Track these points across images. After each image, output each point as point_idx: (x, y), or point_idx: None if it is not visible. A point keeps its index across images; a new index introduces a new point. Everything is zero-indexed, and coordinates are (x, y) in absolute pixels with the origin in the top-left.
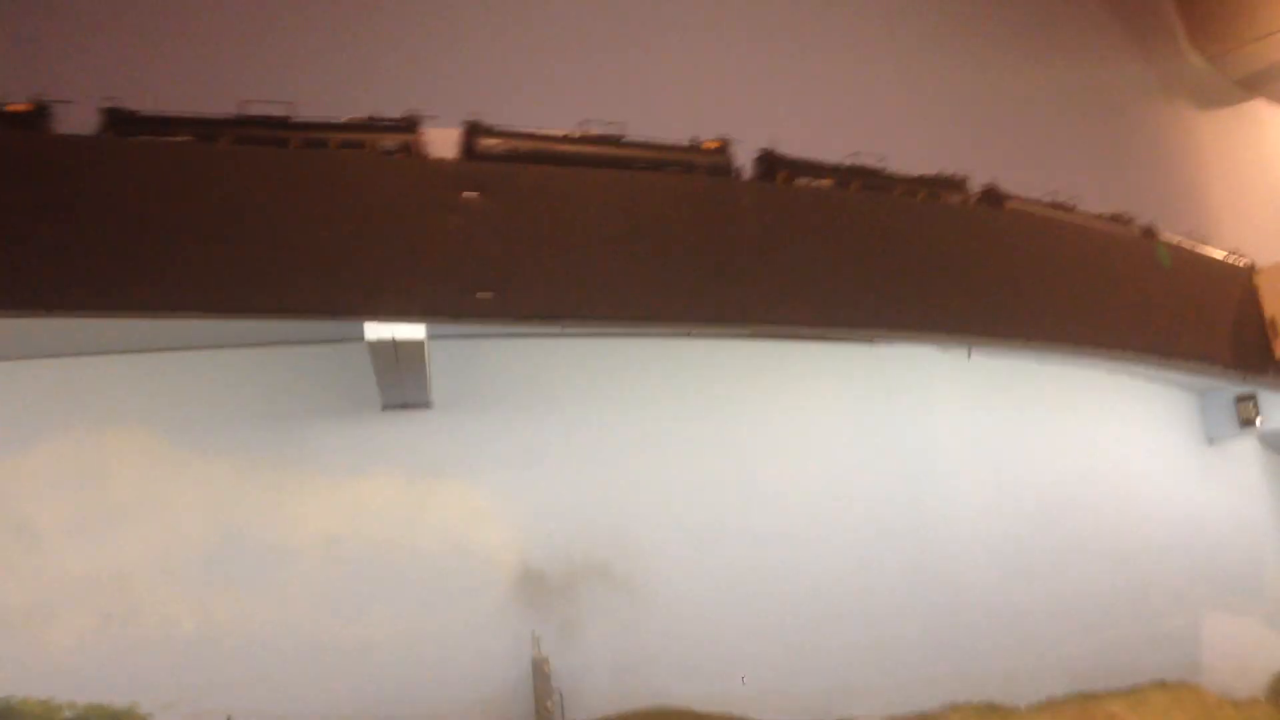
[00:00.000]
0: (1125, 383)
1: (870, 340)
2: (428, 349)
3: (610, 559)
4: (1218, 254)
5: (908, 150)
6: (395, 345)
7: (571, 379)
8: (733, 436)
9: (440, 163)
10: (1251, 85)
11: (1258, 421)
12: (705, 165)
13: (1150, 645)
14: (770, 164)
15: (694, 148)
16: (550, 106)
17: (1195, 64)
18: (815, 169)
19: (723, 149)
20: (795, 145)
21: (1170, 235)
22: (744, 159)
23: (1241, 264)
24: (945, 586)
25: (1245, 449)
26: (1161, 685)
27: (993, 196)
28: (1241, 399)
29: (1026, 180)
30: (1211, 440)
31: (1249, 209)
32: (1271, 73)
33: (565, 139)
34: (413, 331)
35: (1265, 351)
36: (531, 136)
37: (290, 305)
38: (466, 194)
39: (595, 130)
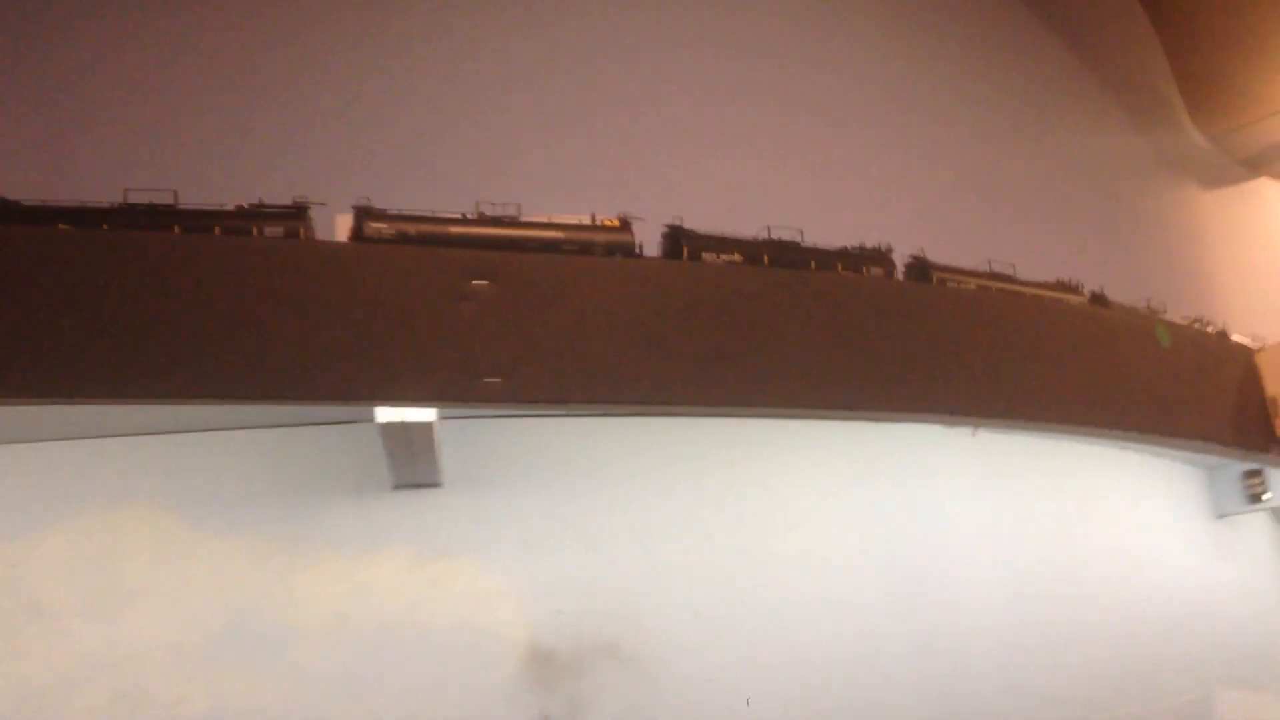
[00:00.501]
0: (1133, 459)
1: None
2: (437, 430)
3: (619, 637)
4: (1219, 333)
5: (901, 233)
6: (406, 427)
7: (580, 458)
8: (740, 514)
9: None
10: (1255, 164)
11: (1265, 497)
12: (604, 244)
13: None
14: (677, 240)
15: (594, 226)
16: (444, 187)
17: (1198, 143)
18: (723, 244)
19: (623, 227)
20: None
21: (1172, 314)
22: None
23: (1243, 343)
24: (953, 665)
25: (1255, 523)
26: None
27: (921, 269)
28: (1249, 474)
29: (1025, 262)
30: (1220, 515)
31: (1254, 288)
32: (1275, 152)
33: (461, 220)
34: (423, 414)
35: (1267, 430)
36: (421, 219)
37: (307, 392)
38: (476, 282)
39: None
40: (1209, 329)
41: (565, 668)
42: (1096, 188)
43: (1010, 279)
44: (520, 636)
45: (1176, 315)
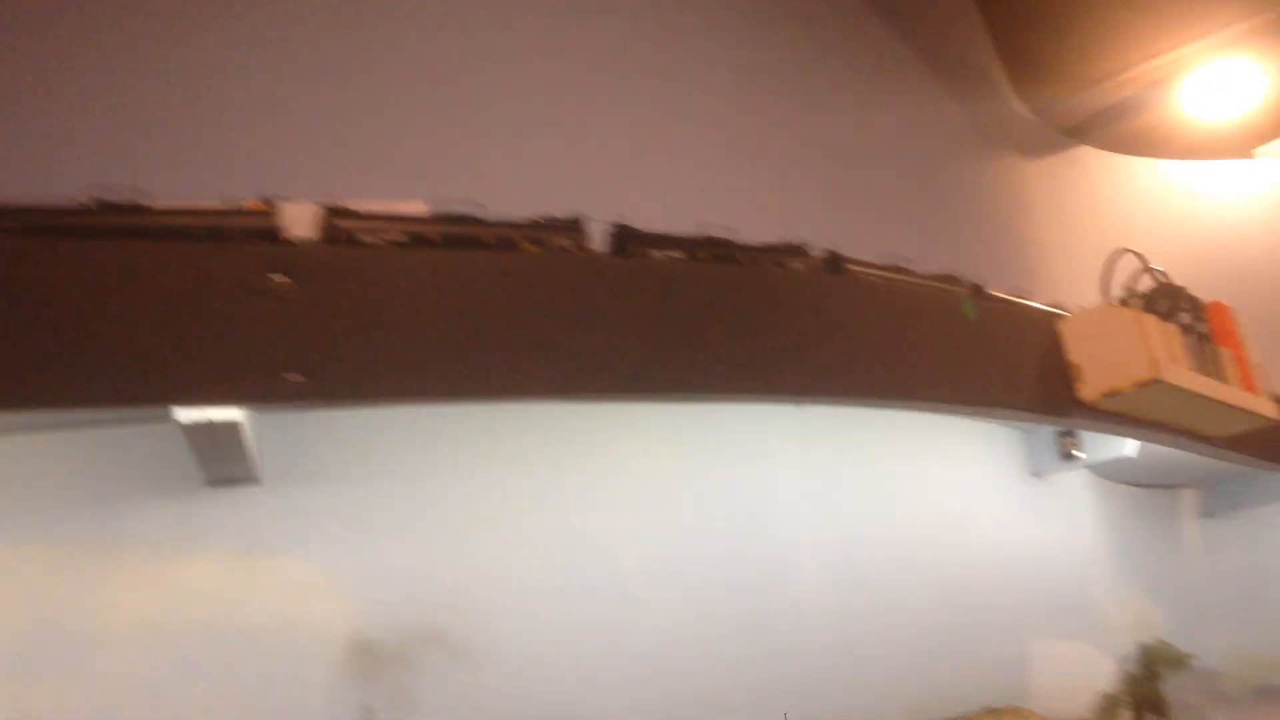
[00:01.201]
0: (954, 422)
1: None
2: (247, 427)
3: (447, 626)
4: (1029, 303)
5: (730, 212)
6: (211, 426)
7: (405, 446)
8: (567, 495)
9: (247, 247)
10: (1076, 132)
11: (1077, 455)
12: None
13: (980, 674)
14: (624, 238)
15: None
16: (379, 183)
17: (1020, 113)
18: (667, 241)
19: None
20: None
21: (990, 286)
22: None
23: (1052, 312)
24: (783, 631)
25: (1071, 480)
26: (991, 712)
27: (833, 262)
28: (1063, 434)
29: (854, 231)
30: (1037, 474)
31: (1077, 257)
32: (1096, 119)
33: (424, 220)
34: (228, 413)
35: (1070, 394)
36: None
37: (95, 395)
38: (278, 278)
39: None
40: (1019, 299)
41: (390, 660)
42: (917, 159)
43: (813, 257)
44: (342, 630)
45: (993, 285)
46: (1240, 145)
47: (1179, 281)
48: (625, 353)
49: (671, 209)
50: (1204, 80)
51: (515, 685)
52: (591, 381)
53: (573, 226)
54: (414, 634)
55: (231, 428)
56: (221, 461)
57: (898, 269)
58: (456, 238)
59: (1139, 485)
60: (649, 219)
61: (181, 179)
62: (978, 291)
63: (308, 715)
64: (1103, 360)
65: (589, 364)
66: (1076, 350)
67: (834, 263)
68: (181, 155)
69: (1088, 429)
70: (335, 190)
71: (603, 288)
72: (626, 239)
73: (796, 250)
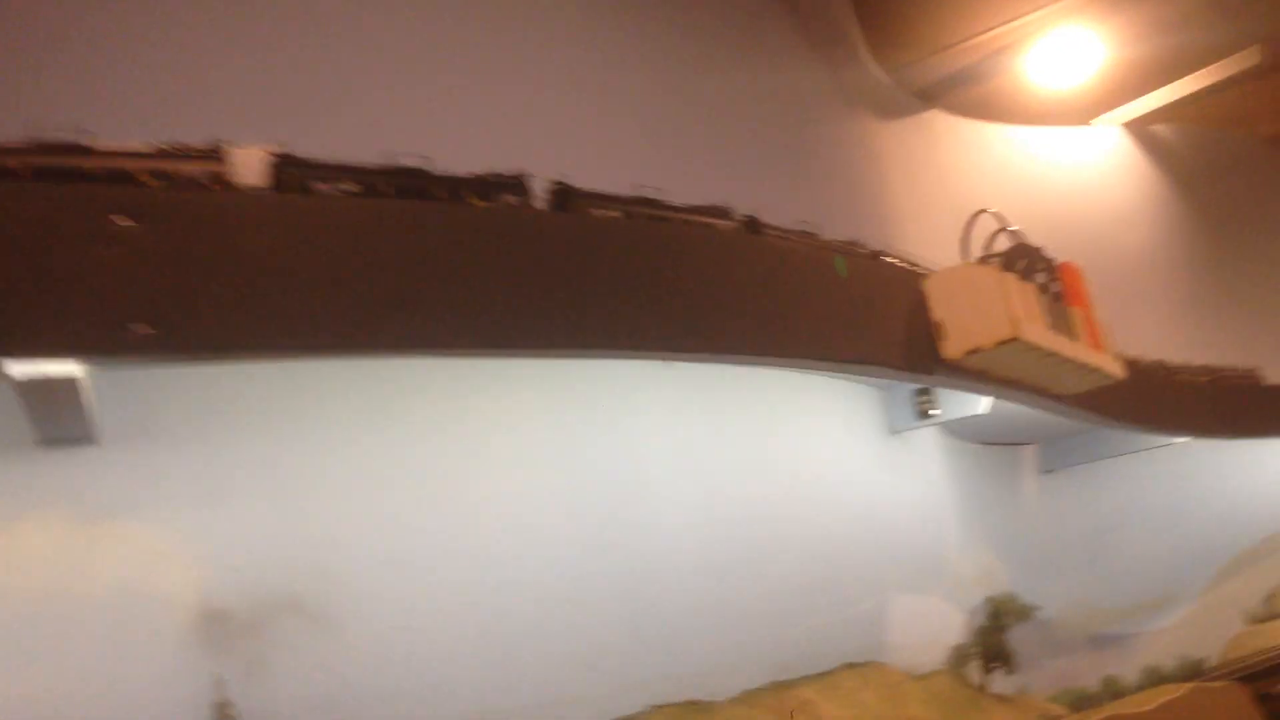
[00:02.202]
0: (816, 381)
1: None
2: (86, 383)
3: (303, 592)
4: (889, 260)
5: (601, 165)
6: (46, 382)
7: (260, 404)
8: (432, 456)
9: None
10: (929, 96)
11: (933, 413)
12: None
13: (841, 631)
14: (566, 196)
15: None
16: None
17: (877, 76)
18: (605, 200)
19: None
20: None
21: (849, 242)
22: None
23: (914, 270)
24: (651, 592)
25: (926, 438)
26: (850, 667)
27: (754, 225)
28: (920, 393)
29: (706, 195)
30: (895, 431)
31: (929, 217)
32: (947, 84)
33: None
34: (65, 368)
35: (934, 352)
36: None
37: None
38: (121, 221)
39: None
40: (881, 257)
41: (242, 627)
42: (782, 119)
43: (668, 208)
44: (191, 598)
45: (852, 243)
46: (1080, 113)
47: (1031, 241)
48: (494, 308)
49: (551, 160)
50: (1047, 48)
51: (376, 651)
52: (459, 338)
53: (517, 184)
54: (268, 601)
55: (69, 384)
56: (56, 420)
57: (806, 233)
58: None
59: (986, 443)
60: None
61: (127, 122)
62: (856, 250)
63: (155, 688)
64: (965, 318)
65: (456, 318)
66: (940, 308)
67: (753, 225)
68: (127, 99)
69: (950, 387)
70: (281, 140)
71: (546, 243)
72: (568, 197)
73: (721, 211)
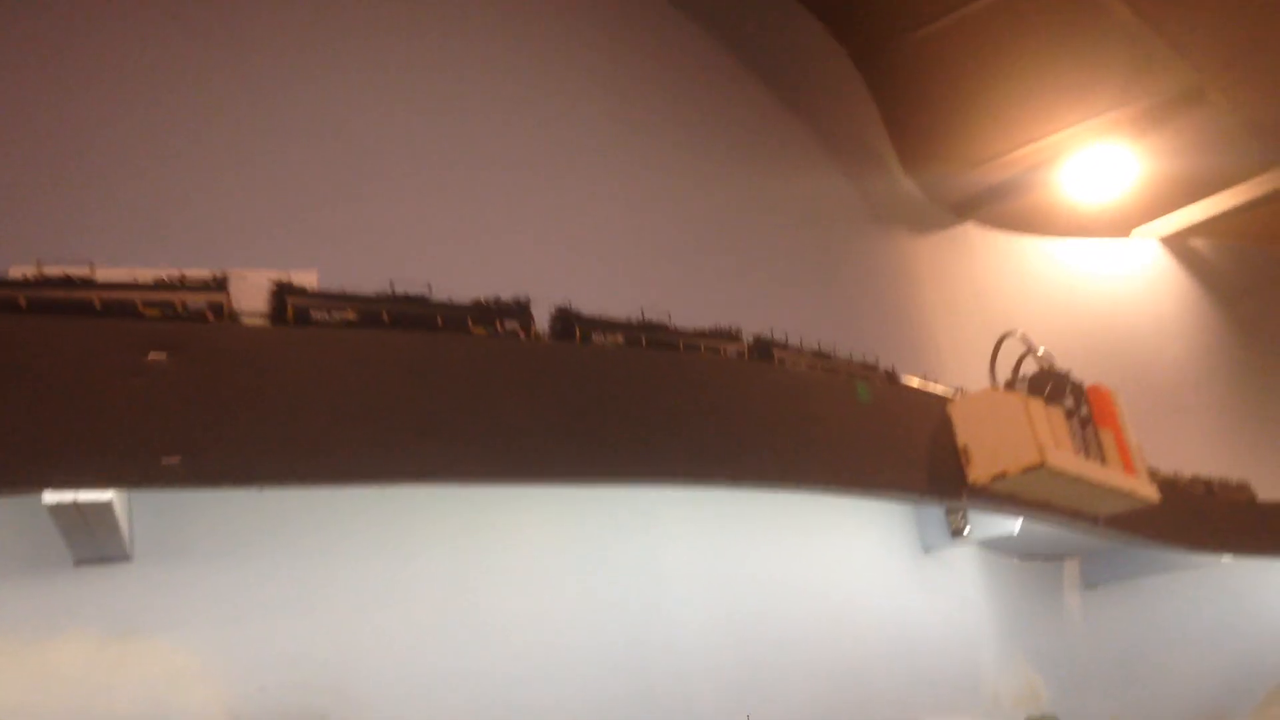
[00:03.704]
0: (847, 500)
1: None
2: (119, 507)
3: (327, 711)
4: (920, 386)
5: (620, 288)
6: (78, 508)
7: (286, 526)
8: (455, 577)
9: (122, 324)
10: (962, 210)
11: (966, 531)
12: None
13: None
14: (567, 322)
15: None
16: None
17: (907, 189)
18: (608, 326)
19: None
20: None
21: (879, 365)
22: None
23: (940, 393)
24: (672, 714)
25: (961, 555)
26: None
27: (763, 348)
28: (952, 510)
29: (731, 315)
30: (928, 549)
31: (963, 333)
32: (982, 197)
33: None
34: (98, 495)
35: (960, 477)
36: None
37: None
38: (154, 355)
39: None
40: (904, 381)
41: None
42: (807, 234)
43: (674, 333)
44: (218, 715)
45: (882, 363)
46: (1118, 225)
47: (1061, 361)
48: (566, 436)
49: (559, 284)
50: (1083, 163)
51: None
52: (483, 467)
53: (520, 310)
54: (294, 718)
55: (103, 508)
56: (91, 541)
57: (821, 355)
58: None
59: (1025, 558)
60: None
61: (120, 251)
62: (872, 373)
63: None
64: (990, 443)
65: (480, 447)
66: (965, 433)
67: (764, 348)
68: (119, 228)
69: (977, 510)
70: (277, 267)
71: (547, 372)
72: (569, 323)
73: (729, 335)
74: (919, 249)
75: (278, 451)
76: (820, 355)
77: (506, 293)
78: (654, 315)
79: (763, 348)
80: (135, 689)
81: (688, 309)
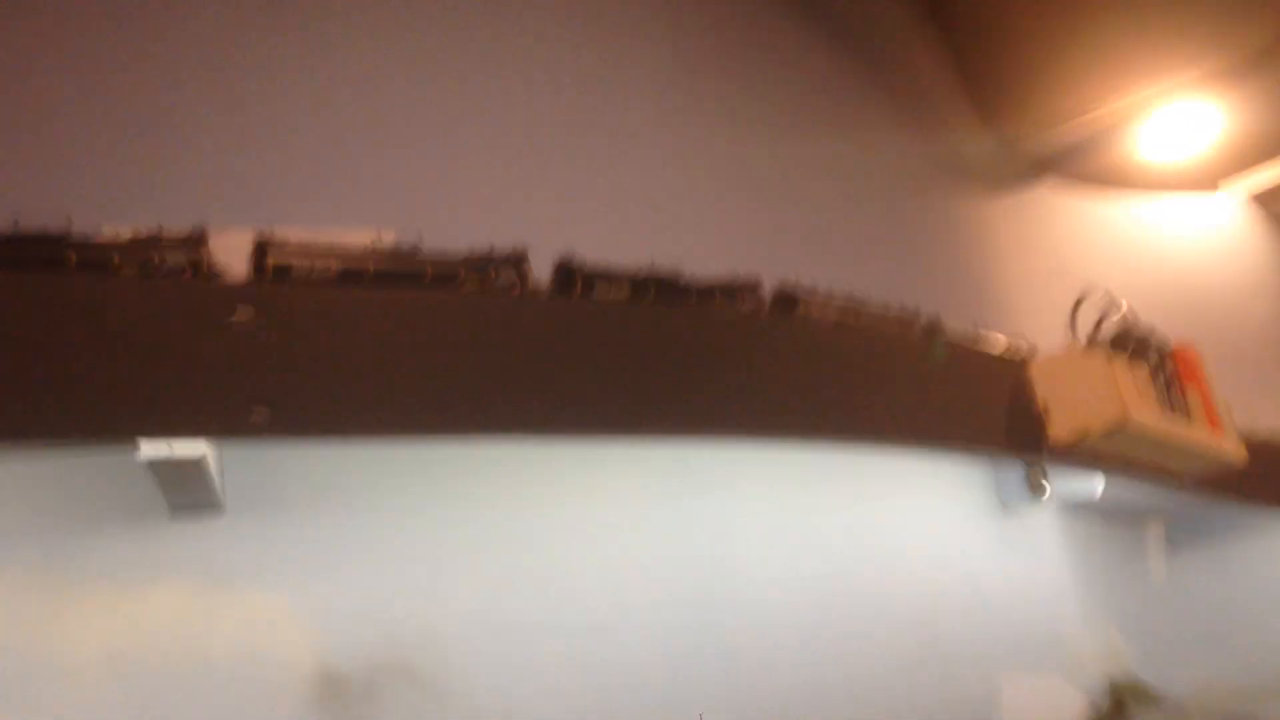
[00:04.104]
0: (921, 461)
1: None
2: (212, 460)
3: (414, 659)
4: (996, 342)
5: (684, 245)
6: (175, 459)
7: (372, 479)
8: (536, 533)
9: (217, 283)
10: (1043, 166)
11: (1047, 491)
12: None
13: (952, 712)
14: (569, 274)
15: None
16: (333, 212)
17: (984, 145)
18: (612, 278)
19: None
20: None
21: (952, 324)
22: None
23: (1018, 352)
24: (754, 671)
25: (1042, 514)
26: None
27: (785, 300)
28: (1032, 469)
29: (813, 268)
30: (1006, 508)
31: (1043, 291)
32: (1063, 154)
33: (361, 255)
34: (191, 448)
35: (1039, 434)
36: (321, 251)
37: (54, 432)
38: (242, 310)
39: (389, 242)
40: (986, 342)
41: (357, 691)
42: (879, 191)
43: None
44: (308, 663)
45: (959, 321)
46: (1203, 181)
47: (1145, 318)
48: (596, 392)
49: (623, 241)
50: (1167, 119)
51: (482, 716)
52: (563, 421)
53: (517, 261)
54: (381, 667)
55: (195, 460)
56: (186, 491)
57: (852, 305)
58: (393, 273)
59: (1107, 517)
60: (602, 250)
61: (107, 206)
62: (935, 331)
63: None
64: (1072, 402)
65: (559, 402)
66: (1046, 391)
67: (786, 300)
68: (106, 181)
69: (1058, 468)
70: (267, 219)
71: (543, 328)
72: (569, 275)
73: (747, 287)
74: (998, 206)
75: (360, 404)
76: (852, 306)
77: (603, 255)
78: (735, 271)
79: (785, 300)
80: (228, 637)
81: (758, 268)
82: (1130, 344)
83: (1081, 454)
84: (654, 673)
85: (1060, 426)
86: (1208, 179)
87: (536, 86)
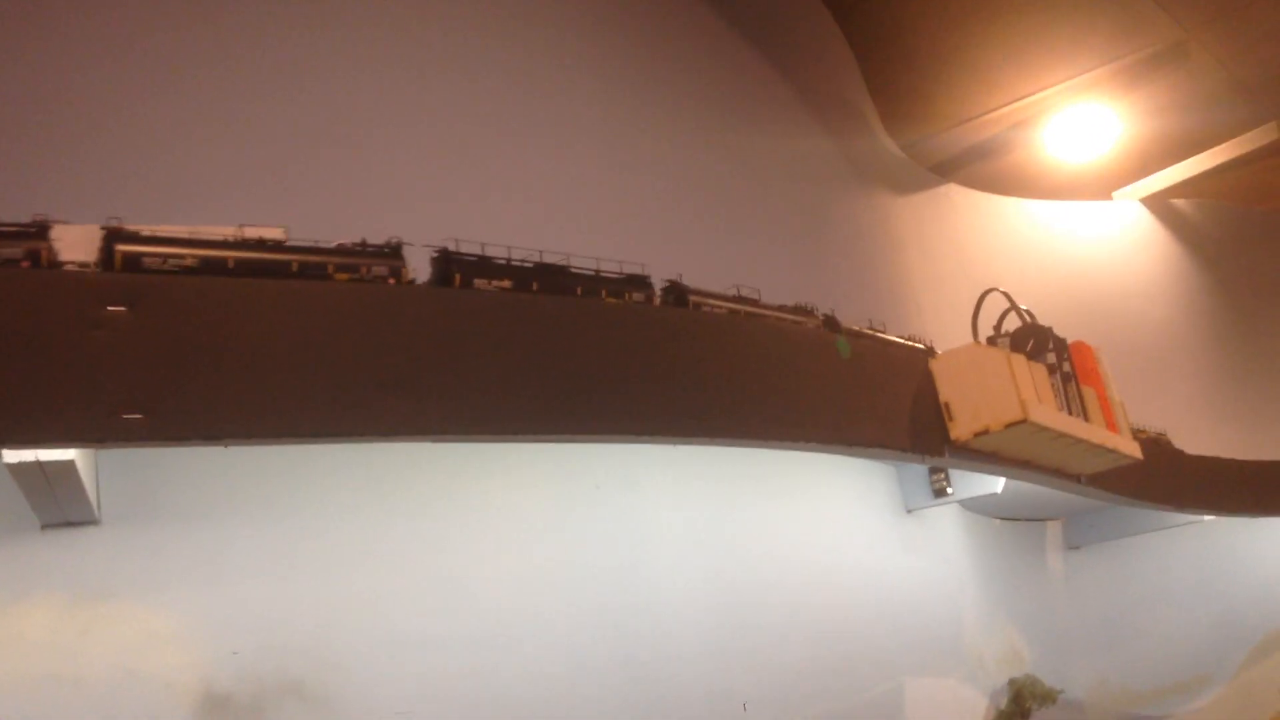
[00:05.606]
0: (827, 460)
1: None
2: (84, 467)
3: (304, 675)
4: (898, 340)
5: (592, 244)
6: (41, 467)
7: (260, 485)
8: (431, 539)
9: (80, 275)
10: (945, 170)
11: (949, 491)
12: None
13: (857, 714)
14: (447, 265)
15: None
16: (199, 206)
17: (889, 149)
18: (494, 269)
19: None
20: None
21: (856, 324)
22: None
23: (921, 349)
24: (657, 676)
25: (944, 515)
26: None
27: (677, 293)
28: (934, 471)
29: (716, 272)
30: (910, 510)
31: (944, 293)
32: (963, 158)
33: (222, 244)
34: (60, 453)
35: (943, 434)
36: (182, 241)
37: None
38: (112, 308)
39: (253, 233)
40: (891, 337)
41: (243, 711)
42: (788, 193)
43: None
44: (191, 682)
45: (863, 321)
46: (1099, 187)
47: (1044, 319)
48: (496, 391)
49: (516, 234)
50: (1064, 124)
51: None
52: (458, 422)
53: (391, 253)
54: (269, 684)
55: (66, 467)
56: (55, 503)
57: (743, 299)
58: (257, 265)
59: (1008, 519)
60: (496, 241)
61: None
62: (834, 326)
63: None
64: (973, 399)
65: (457, 402)
66: (947, 389)
67: (678, 294)
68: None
69: (960, 468)
70: (129, 211)
71: (421, 321)
72: (450, 267)
73: (636, 280)
74: (901, 208)
75: (243, 406)
76: (743, 300)
77: (498, 247)
78: (622, 268)
79: (677, 294)
80: (105, 653)
81: (664, 265)
82: (1029, 342)
83: (982, 453)
84: (554, 682)
85: (961, 425)
86: (1104, 185)
87: (421, 74)
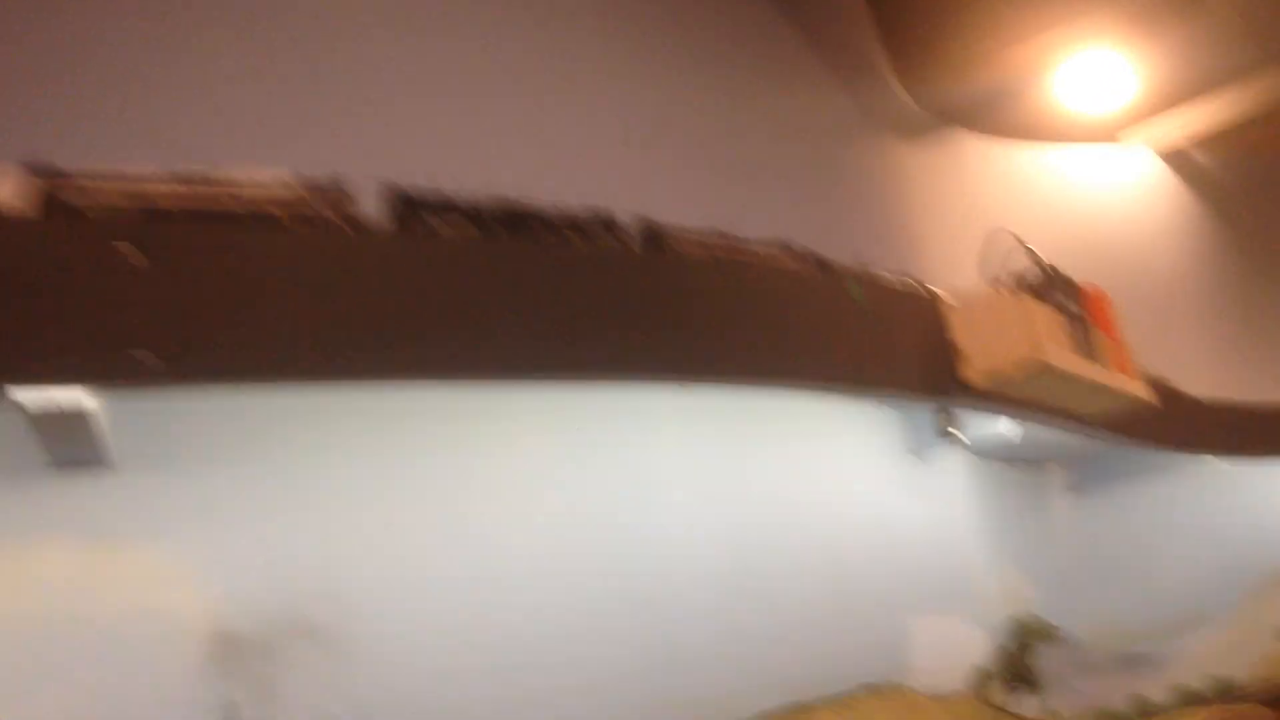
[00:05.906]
0: (831, 403)
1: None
2: (97, 409)
3: (315, 615)
4: (908, 283)
5: (603, 193)
6: (55, 408)
7: (269, 428)
8: (442, 480)
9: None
10: (953, 117)
11: (954, 432)
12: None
13: (861, 653)
14: (403, 206)
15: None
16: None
17: (899, 97)
18: (452, 210)
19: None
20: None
21: (865, 267)
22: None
23: (930, 292)
24: (664, 617)
25: (948, 458)
26: (869, 688)
27: (653, 236)
28: (940, 413)
29: (725, 218)
30: (914, 452)
31: (954, 238)
32: (972, 104)
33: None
34: (74, 396)
35: (951, 376)
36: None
37: None
38: (122, 247)
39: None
40: (901, 279)
41: (254, 651)
42: (799, 142)
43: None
44: (203, 622)
45: (875, 267)
46: (1106, 130)
47: (1053, 264)
48: (509, 335)
49: (520, 182)
50: (1074, 69)
51: (385, 676)
52: (477, 365)
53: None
54: (279, 624)
55: (78, 411)
56: (69, 444)
57: (724, 237)
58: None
59: (1011, 462)
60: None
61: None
62: (830, 269)
63: (167, 711)
64: (986, 342)
65: (473, 345)
66: (960, 332)
67: (653, 237)
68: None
69: (971, 409)
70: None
71: (475, 268)
72: (406, 208)
73: (606, 222)
74: (910, 156)
75: (256, 349)
76: (728, 243)
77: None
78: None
79: (653, 236)
80: (118, 596)
81: (678, 214)
82: (1041, 286)
83: (993, 396)
84: (565, 621)
85: (973, 368)
86: (1113, 129)
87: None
